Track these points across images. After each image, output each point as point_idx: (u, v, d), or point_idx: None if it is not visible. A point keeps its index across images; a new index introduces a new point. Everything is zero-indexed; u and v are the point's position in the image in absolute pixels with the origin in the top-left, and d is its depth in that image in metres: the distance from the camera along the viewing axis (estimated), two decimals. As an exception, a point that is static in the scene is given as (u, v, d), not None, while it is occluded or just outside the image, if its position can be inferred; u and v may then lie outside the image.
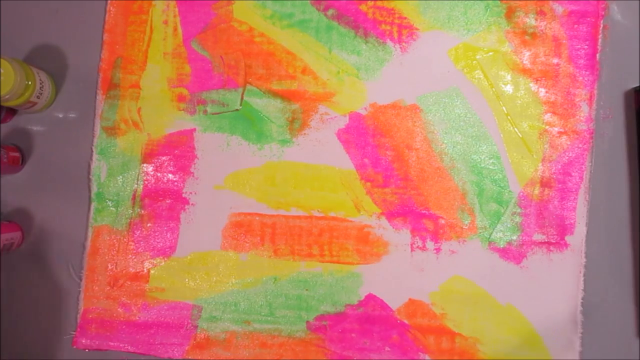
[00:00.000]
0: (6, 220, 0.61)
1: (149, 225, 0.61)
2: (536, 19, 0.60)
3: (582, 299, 0.58)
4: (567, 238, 0.59)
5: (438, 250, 0.59)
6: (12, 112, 0.62)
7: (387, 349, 0.59)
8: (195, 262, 0.60)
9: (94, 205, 0.61)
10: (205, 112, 0.61)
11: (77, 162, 0.62)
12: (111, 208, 0.61)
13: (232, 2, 0.62)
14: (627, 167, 0.59)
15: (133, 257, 0.61)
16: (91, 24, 0.62)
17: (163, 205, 0.61)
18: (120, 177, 0.61)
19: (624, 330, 0.58)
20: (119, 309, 0.60)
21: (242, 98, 0.61)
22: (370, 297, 0.59)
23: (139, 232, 0.61)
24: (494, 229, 0.59)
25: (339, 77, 0.61)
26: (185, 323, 0.60)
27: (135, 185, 0.61)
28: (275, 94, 0.61)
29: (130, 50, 0.62)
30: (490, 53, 0.60)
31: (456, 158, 0.60)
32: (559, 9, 0.60)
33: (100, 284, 0.61)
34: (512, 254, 0.59)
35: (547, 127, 0.59)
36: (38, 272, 0.61)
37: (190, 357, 0.60)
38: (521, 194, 0.59)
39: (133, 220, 0.61)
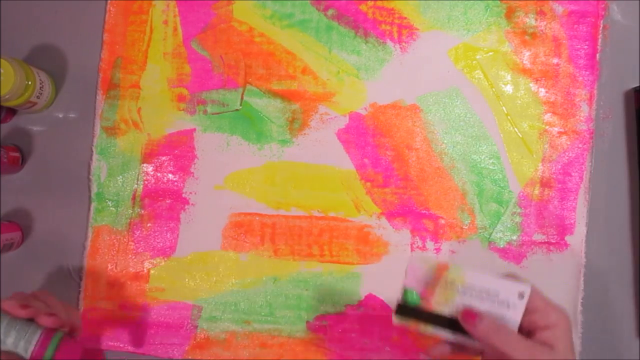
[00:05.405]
0: (6, 220, 0.61)
1: (149, 225, 0.61)
2: (536, 19, 0.60)
3: (582, 299, 0.58)
4: (567, 238, 0.59)
5: (438, 250, 0.59)
6: (12, 112, 0.62)
7: (387, 349, 0.59)
8: (195, 262, 0.60)
9: (94, 205, 0.61)
10: (205, 112, 0.61)
11: (77, 162, 0.62)
12: (111, 208, 0.61)
13: (232, 2, 0.62)
14: (627, 167, 0.59)
15: (133, 257, 0.61)
16: (91, 24, 0.62)
17: (163, 205, 0.61)
18: (120, 177, 0.61)
19: (624, 330, 0.58)
20: (119, 309, 0.60)
21: (242, 98, 0.61)
22: (370, 297, 0.59)
23: (139, 232, 0.61)
24: (494, 229, 0.59)
25: (339, 77, 0.61)
26: (185, 323, 0.60)
27: (135, 185, 0.61)
28: (275, 94, 0.61)
29: (130, 50, 0.62)
30: (490, 53, 0.60)
31: (456, 158, 0.60)
32: (559, 9, 0.60)
33: (100, 284, 0.61)
34: (512, 254, 0.59)
35: (547, 127, 0.59)
36: (38, 272, 0.61)
37: (190, 357, 0.60)
38: (521, 194, 0.59)
39: (133, 220, 0.61)
